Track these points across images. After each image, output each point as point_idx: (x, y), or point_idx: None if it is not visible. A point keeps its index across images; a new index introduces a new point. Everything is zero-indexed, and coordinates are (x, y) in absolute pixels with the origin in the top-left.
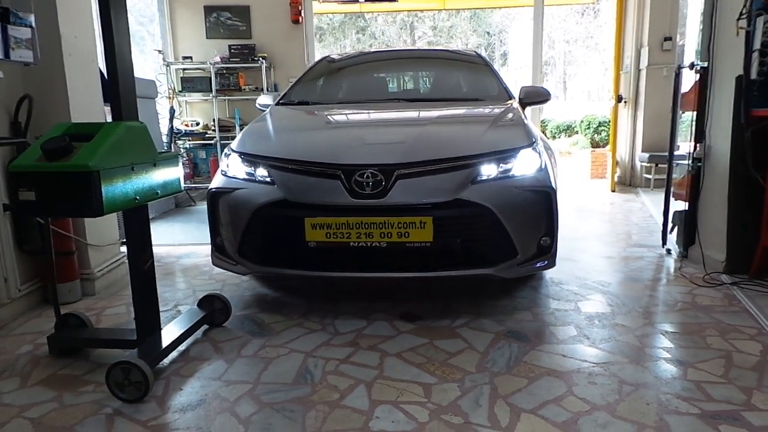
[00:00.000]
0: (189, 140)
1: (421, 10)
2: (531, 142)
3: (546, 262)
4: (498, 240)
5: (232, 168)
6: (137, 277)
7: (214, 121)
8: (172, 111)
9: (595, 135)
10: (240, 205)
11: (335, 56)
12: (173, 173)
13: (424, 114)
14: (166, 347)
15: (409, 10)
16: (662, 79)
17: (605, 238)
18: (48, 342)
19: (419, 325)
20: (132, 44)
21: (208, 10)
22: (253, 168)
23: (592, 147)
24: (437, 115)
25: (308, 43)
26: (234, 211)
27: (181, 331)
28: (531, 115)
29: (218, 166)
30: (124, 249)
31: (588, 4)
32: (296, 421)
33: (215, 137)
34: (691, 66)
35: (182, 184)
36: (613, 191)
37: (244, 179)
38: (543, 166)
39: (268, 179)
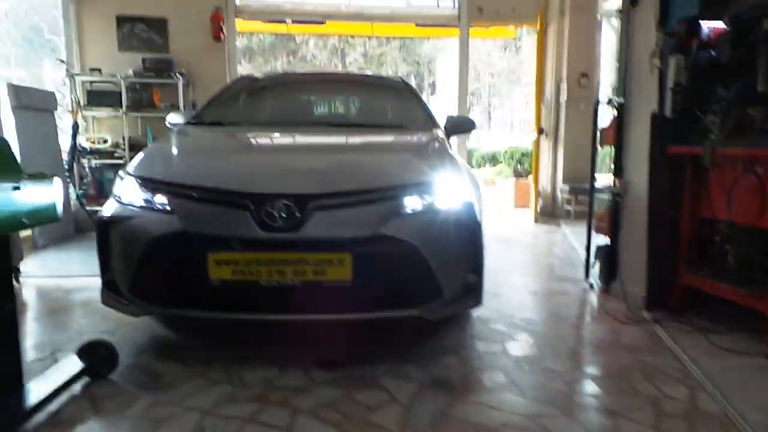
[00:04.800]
0: (95, 159)
1: (349, 35)
2: (456, 174)
3: (472, 301)
4: (422, 279)
5: (126, 193)
6: None
7: (124, 138)
8: (75, 126)
9: (518, 165)
10: (133, 236)
11: (256, 75)
12: (46, 197)
13: (345, 140)
14: (30, 409)
15: (336, 34)
16: (580, 112)
17: (529, 271)
18: None
19: (338, 375)
20: (31, 52)
21: (122, 20)
22: (150, 194)
23: (516, 177)
24: (358, 142)
25: (231, 62)
26: (126, 242)
27: (51, 388)
28: (457, 145)
29: None
30: None
31: (509, 38)
32: None
33: (125, 156)
34: (609, 102)
35: (59, 211)
36: (536, 222)
37: (139, 207)
38: (469, 200)
39: (166, 207)
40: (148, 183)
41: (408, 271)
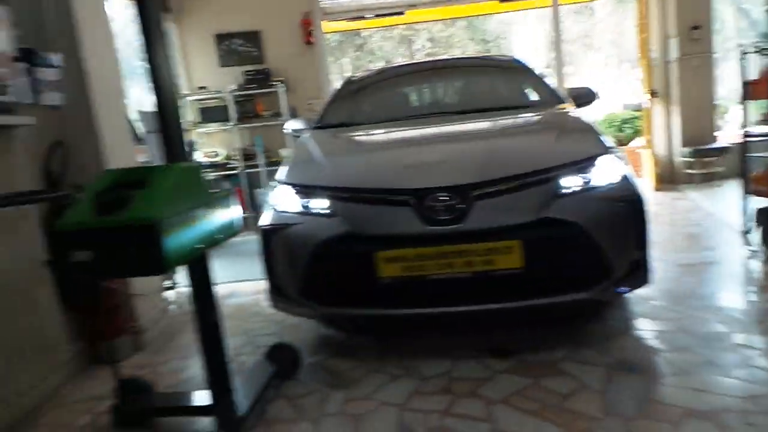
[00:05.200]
0: (211, 172)
1: (427, 21)
2: (608, 148)
3: (641, 279)
4: (592, 259)
5: (283, 201)
6: (206, 333)
7: (234, 150)
8: (191, 144)
9: (619, 133)
10: (299, 241)
11: (365, 73)
12: (231, 213)
13: (484, 126)
14: (248, 412)
15: (415, 22)
16: (694, 69)
17: (671, 242)
18: (113, 413)
19: (514, 362)
20: (136, 79)
21: (219, 38)
22: (308, 199)
23: (618, 145)
24: (498, 126)
25: (322, 64)
26: (292, 248)
27: (258, 391)
28: None
29: (243, 197)
30: (166, 294)
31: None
32: None
33: (238, 167)
34: (760, 50)
35: (240, 224)
36: (657, 190)
37: (299, 213)
38: (627, 173)
39: (327, 211)
40: (304, 189)
41: (577, 252)
